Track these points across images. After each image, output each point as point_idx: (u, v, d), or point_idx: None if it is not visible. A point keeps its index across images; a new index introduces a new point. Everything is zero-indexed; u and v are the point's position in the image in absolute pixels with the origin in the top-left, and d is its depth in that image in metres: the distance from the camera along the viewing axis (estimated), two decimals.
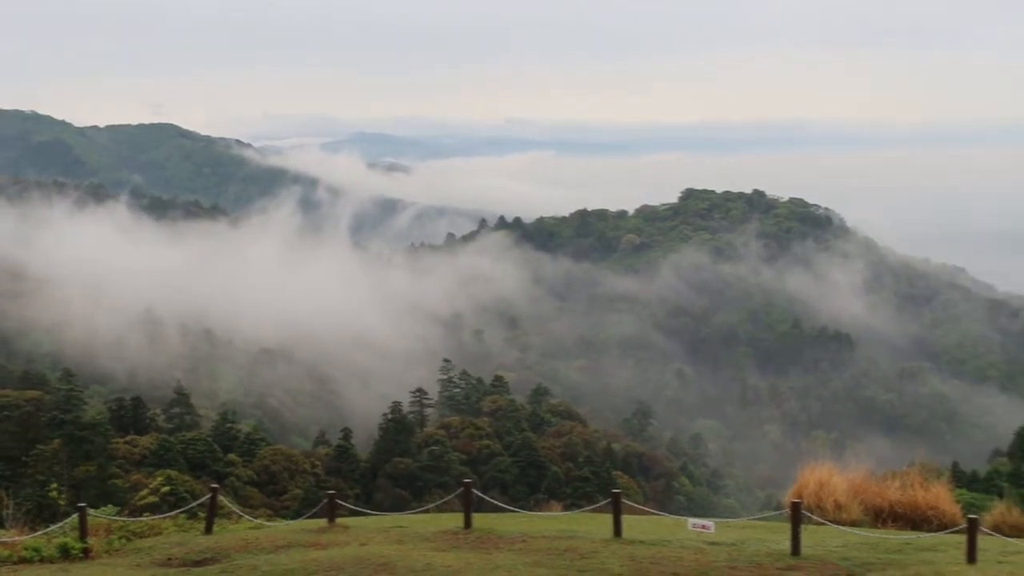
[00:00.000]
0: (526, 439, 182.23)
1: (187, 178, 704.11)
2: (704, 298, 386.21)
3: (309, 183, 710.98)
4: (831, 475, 34.59)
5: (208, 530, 33.46)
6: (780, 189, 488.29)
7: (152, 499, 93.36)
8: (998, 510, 34.40)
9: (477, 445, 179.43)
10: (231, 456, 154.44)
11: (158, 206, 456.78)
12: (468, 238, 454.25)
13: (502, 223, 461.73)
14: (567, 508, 54.96)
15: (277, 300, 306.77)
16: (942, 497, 34.54)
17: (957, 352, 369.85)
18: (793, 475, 35.44)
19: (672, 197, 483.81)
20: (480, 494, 34.57)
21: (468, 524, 31.22)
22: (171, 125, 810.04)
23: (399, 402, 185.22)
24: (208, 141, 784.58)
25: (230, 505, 40.60)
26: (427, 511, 43.35)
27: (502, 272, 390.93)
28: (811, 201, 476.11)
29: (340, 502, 35.11)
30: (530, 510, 50.43)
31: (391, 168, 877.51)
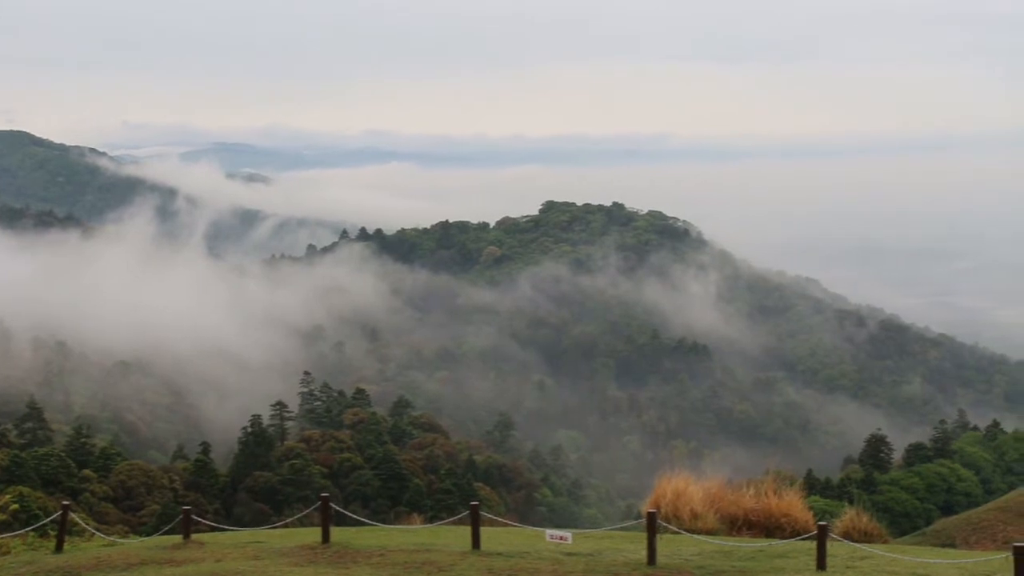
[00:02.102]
0: (388, 452, 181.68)
1: (41, 187, 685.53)
2: (564, 310, 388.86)
3: (167, 193, 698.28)
4: (687, 485, 35.10)
5: (59, 548, 32.74)
6: (640, 202, 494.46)
7: (1, 517, 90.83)
8: (848, 516, 35.24)
9: (338, 458, 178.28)
10: (86, 472, 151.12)
11: (7, 215, 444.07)
12: (328, 250, 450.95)
13: (363, 235, 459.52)
14: (428, 521, 54.89)
15: (133, 311, 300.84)
16: (795, 505, 35.27)
17: (810, 362, 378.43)
18: (652, 485, 35.89)
19: (533, 209, 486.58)
20: (339, 508, 34.38)
21: (326, 538, 31.03)
22: (24, 133, 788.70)
23: (259, 415, 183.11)
24: (63, 149, 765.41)
25: (82, 522, 39.77)
26: (286, 525, 42.96)
27: (362, 284, 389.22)
28: (670, 214, 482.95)
29: (198, 518, 34.62)
30: (391, 523, 50.28)
31: (251, 178, 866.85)
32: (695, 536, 30.74)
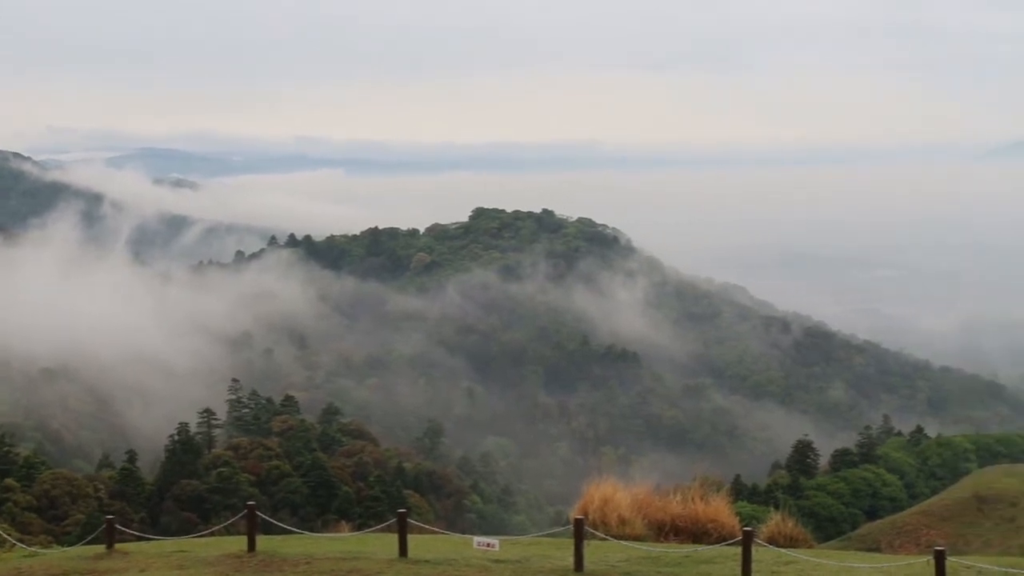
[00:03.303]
0: (316, 459, 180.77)
1: None
2: (494, 316, 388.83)
3: (93, 199, 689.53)
4: (615, 491, 35.20)
5: None
6: (569, 209, 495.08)
7: None
8: (774, 522, 35.48)
9: (267, 466, 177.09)
10: (8, 481, 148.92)
11: None
12: (256, 256, 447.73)
13: (292, 241, 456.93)
14: (357, 528, 54.58)
15: (57, 318, 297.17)
16: (721, 510, 35.51)
17: (737, 368, 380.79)
18: (581, 491, 35.98)
19: (463, 216, 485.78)
20: (266, 517, 34.12)
21: (252, 547, 30.79)
22: None
23: (186, 423, 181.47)
24: None
25: (3, 533, 39.16)
26: (212, 534, 42.61)
27: (290, 291, 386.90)
28: (600, 221, 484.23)
29: (123, 527, 34.20)
30: (319, 531, 49.95)
31: (178, 184, 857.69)
32: (622, 542, 30.84)
